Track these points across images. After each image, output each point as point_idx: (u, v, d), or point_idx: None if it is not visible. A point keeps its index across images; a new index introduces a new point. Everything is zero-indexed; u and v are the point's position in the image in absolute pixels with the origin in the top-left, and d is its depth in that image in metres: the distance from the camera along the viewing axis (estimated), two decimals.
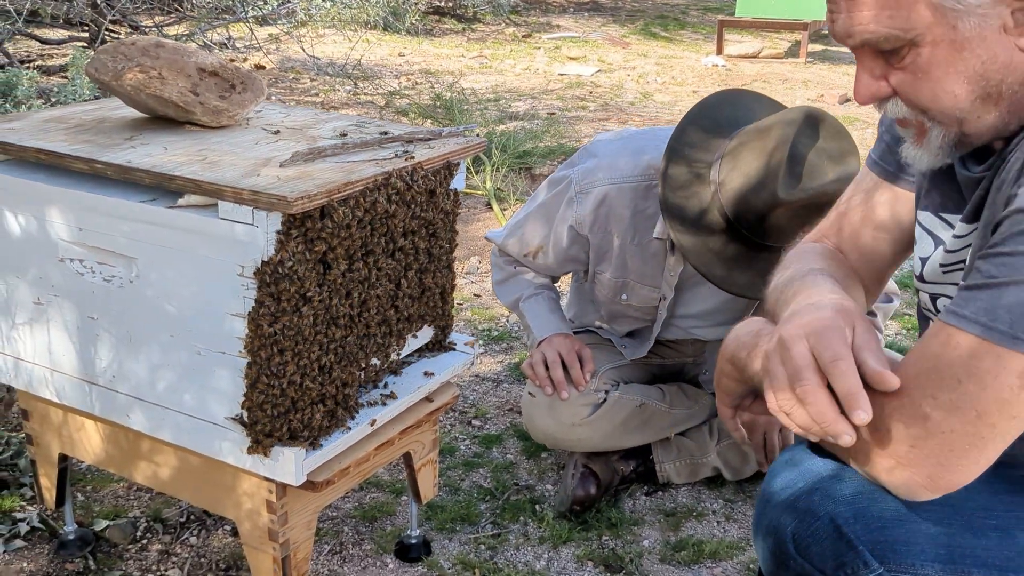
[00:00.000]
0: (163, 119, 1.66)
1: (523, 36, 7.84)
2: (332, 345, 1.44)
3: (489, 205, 3.78)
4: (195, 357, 1.44)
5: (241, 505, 1.54)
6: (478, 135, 1.68)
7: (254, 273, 1.33)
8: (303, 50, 5.48)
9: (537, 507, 2.05)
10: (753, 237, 1.74)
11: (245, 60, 5.91)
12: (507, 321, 2.93)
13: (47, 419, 1.74)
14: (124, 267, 1.47)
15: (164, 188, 1.39)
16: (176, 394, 1.48)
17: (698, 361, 2.18)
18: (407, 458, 1.78)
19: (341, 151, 1.50)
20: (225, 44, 5.45)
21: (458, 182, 1.64)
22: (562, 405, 1.92)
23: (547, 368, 1.92)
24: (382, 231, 1.46)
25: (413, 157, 1.52)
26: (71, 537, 1.89)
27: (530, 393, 1.99)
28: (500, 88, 5.91)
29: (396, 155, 1.52)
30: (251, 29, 5.36)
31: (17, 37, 6.20)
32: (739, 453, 2.08)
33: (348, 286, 1.43)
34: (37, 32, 5.94)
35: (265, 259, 1.32)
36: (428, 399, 1.70)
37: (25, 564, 1.85)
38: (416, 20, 7.91)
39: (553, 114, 5.17)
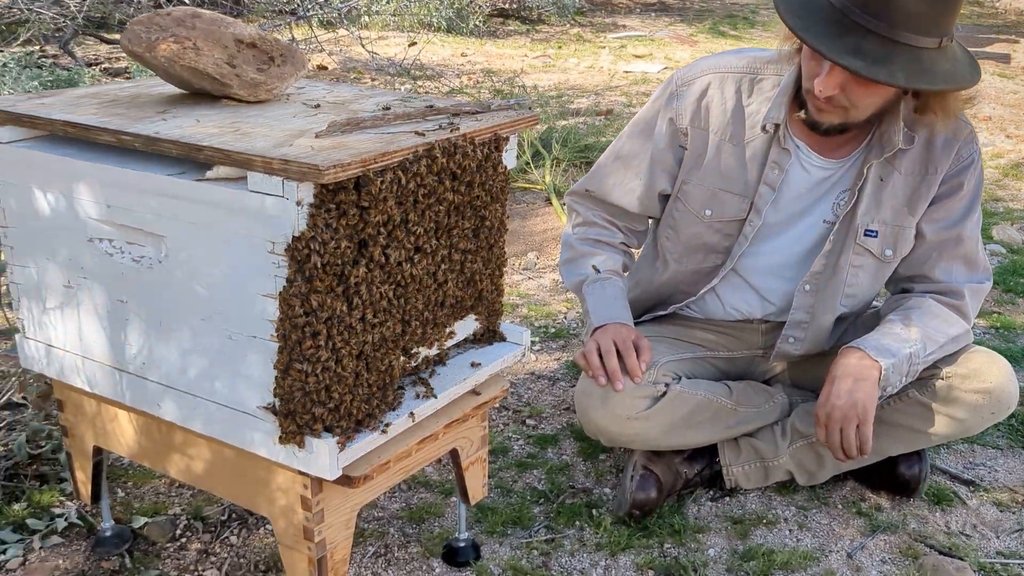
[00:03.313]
0: (200, 94, 1.58)
1: (592, 33, 7.72)
2: (370, 330, 1.33)
3: (548, 200, 3.67)
4: (226, 342, 1.35)
5: (275, 501, 1.45)
6: (530, 108, 1.57)
7: (285, 250, 1.23)
8: (363, 47, 5.43)
9: (594, 511, 1.92)
10: (879, 24, 1.56)
11: (308, 61, 5.89)
12: (564, 318, 2.81)
13: (81, 409, 1.67)
14: (153, 246, 1.39)
15: (192, 160, 1.30)
16: (207, 381, 1.39)
17: (767, 354, 2.03)
18: (454, 456, 1.67)
19: (381, 122, 1.40)
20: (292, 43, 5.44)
21: (508, 159, 1.53)
22: (617, 397, 1.79)
23: (601, 357, 1.80)
24: (423, 207, 1.35)
25: (458, 129, 1.41)
26: (108, 534, 1.82)
27: (583, 389, 1.86)
28: (563, 85, 5.79)
29: (440, 127, 1.41)
30: (311, 27, 5.34)
31: (87, 41, 6.28)
32: (814, 455, 1.93)
33: (387, 266, 1.33)
34: (106, 35, 6.00)
35: (296, 234, 1.22)
36: (475, 392, 1.59)
37: (61, 561, 1.79)
38: (479, 22, 7.85)
39: (610, 111, 5.04)
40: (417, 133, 1.37)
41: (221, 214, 1.28)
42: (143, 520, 1.88)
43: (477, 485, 1.73)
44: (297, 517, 1.42)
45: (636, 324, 1.97)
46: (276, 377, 1.30)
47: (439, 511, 1.91)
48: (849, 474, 2.02)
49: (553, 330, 2.72)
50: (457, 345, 1.61)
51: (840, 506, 1.98)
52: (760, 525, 1.90)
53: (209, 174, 1.29)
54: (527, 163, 3.86)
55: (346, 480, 1.37)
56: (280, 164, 1.20)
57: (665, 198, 1.96)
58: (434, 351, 1.52)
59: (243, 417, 1.37)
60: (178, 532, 1.87)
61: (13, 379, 2.12)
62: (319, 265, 1.23)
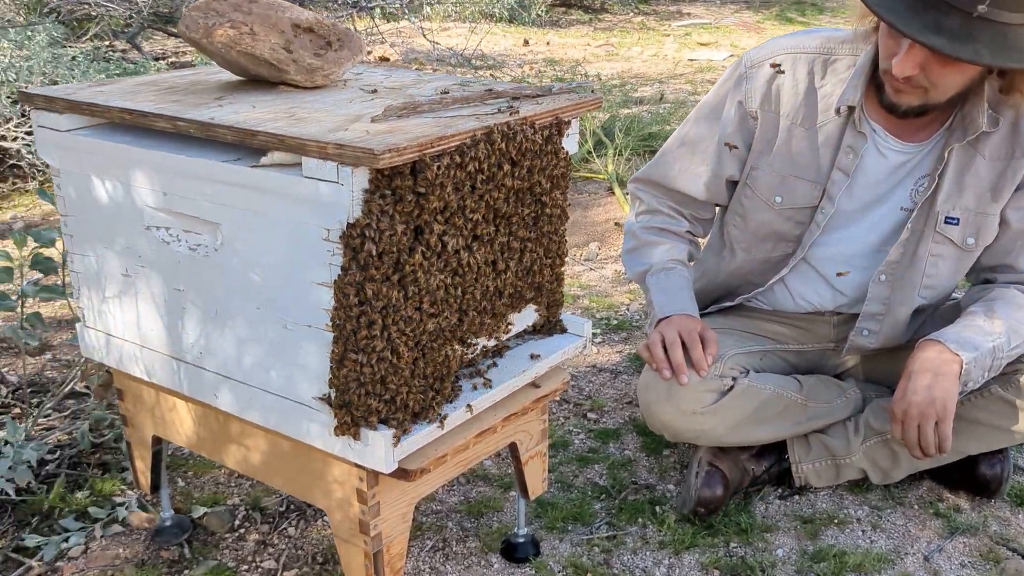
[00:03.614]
0: (257, 80, 1.56)
1: (655, 21, 7.61)
2: (426, 320, 1.30)
3: (611, 190, 3.60)
4: (282, 331, 1.32)
5: (331, 493, 1.42)
6: (592, 92, 1.51)
7: (339, 237, 1.20)
8: (425, 38, 5.42)
9: (657, 508, 1.86)
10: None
11: (370, 53, 5.90)
12: (627, 310, 2.75)
13: (140, 399, 1.66)
14: (209, 234, 1.37)
15: (247, 146, 1.27)
16: (263, 372, 1.37)
17: (839, 347, 1.95)
18: (513, 450, 1.63)
19: (439, 106, 1.36)
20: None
21: (570, 144, 1.48)
22: (682, 391, 1.73)
23: (666, 350, 1.74)
24: (481, 193, 1.31)
25: (518, 112, 1.36)
26: (167, 524, 1.82)
27: (647, 383, 1.80)
28: (626, 74, 5.71)
29: (499, 110, 1.37)
30: (373, 19, 5.34)
31: (155, 36, 6.37)
32: (889, 453, 1.85)
33: (444, 254, 1.29)
34: (172, 29, 6.08)
35: (351, 221, 1.19)
36: (534, 384, 1.55)
37: (121, 550, 1.79)
38: (541, 12, 7.79)
39: (665, 99, 4.95)
40: (476, 117, 1.32)
41: (276, 201, 1.26)
42: (202, 510, 1.87)
43: (537, 480, 1.69)
44: (353, 510, 1.40)
45: (701, 315, 1.91)
46: (331, 367, 1.27)
47: (498, 505, 1.88)
48: (926, 473, 1.93)
49: (615, 322, 2.67)
50: (516, 336, 1.57)
51: (916, 506, 1.89)
52: (831, 525, 1.83)
53: (264, 160, 1.27)
54: (589, 152, 3.80)
55: (402, 473, 1.34)
56: (335, 149, 1.17)
57: (733, 184, 1.89)
58: (492, 342, 1.48)
59: (299, 408, 1.34)
60: (236, 523, 1.86)
61: (76, 368, 2.13)
62: (374, 253, 1.20)
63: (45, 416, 2.17)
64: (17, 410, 2.18)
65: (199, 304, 1.42)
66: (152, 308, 1.49)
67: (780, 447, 1.89)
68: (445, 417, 1.36)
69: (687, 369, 1.72)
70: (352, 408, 1.27)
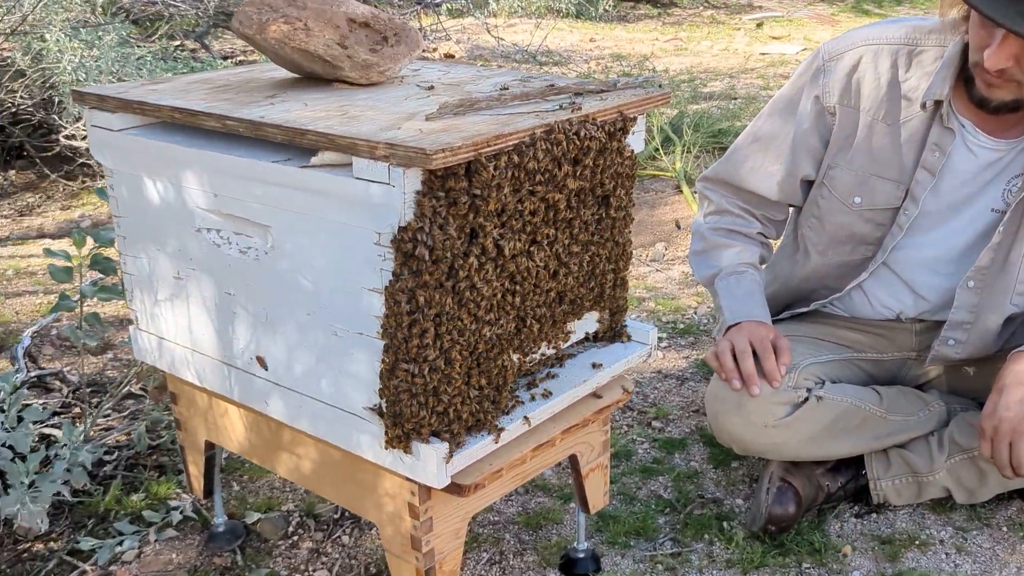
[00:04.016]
0: (311, 78, 1.51)
1: (726, 15, 7.46)
2: (481, 328, 1.23)
3: (679, 188, 3.50)
4: (332, 338, 1.27)
5: (383, 507, 1.37)
6: (660, 86, 1.43)
7: (391, 241, 1.14)
8: (490, 34, 5.37)
9: (725, 524, 1.78)
10: None
11: (435, 50, 5.87)
12: (694, 313, 2.65)
13: (193, 403, 1.63)
14: (260, 237, 1.32)
15: (297, 146, 1.22)
16: (313, 380, 1.32)
17: (922, 357, 1.84)
18: (573, 462, 1.56)
19: (497, 103, 1.30)
20: (423, 34, 5.43)
21: (636, 141, 1.40)
22: (753, 403, 1.64)
23: (736, 359, 1.65)
24: (541, 195, 1.24)
25: (580, 108, 1.29)
26: (221, 529, 1.79)
27: (715, 393, 1.71)
28: (695, 69, 5.59)
29: (561, 107, 1.30)
30: (438, 16, 5.31)
31: (225, 35, 6.43)
32: (975, 471, 1.73)
33: (500, 259, 1.23)
34: None
35: (403, 224, 1.13)
36: (596, 395, 1.47)
37: (174, 555, 1.76)
38: (609, 7, 7.68)
39: (737, 98, 4.81)
40: (536, 114, 1.26)
41: (326, 203, 1.20)
42: (256, 516, 1.84)
43: (598, 493, 1.61)
44: (404, 525, 1.34)
45: (774, 322, 1.82)
46: (382, 377, 1.22)
47: (557, 517, 1.81)
48: (1015, 493, 1.81)
49: (682, 326, 2.57)
50: (577, 344, 1.50)
51: (1005, 528, 1.77)
52: (912, 547, 1.72)
53: (314, 160, 1.21)
54: (656, 149, 3.70)
55: (455, 488, 1.28)
56: (386, 149, 1.11)
57: (808, 184, 1.80)
58: (551, 351, 1.41)
59: (349, 418, 1.29)
60: (290, 529, 1.82)
61: (134, 369, 2.12)
62: (427, 258, 1.14)
63: (104, 416, 2.16)
64: (77, 410, 2.18)
65: (249, 309, 1.38)
66: (203, 312, 1.45)
67: (857, 462, 1.79)
68: (501, 430, 1.29)
69: (758, 380, 1.63)
70: (403, 420, 1.21)
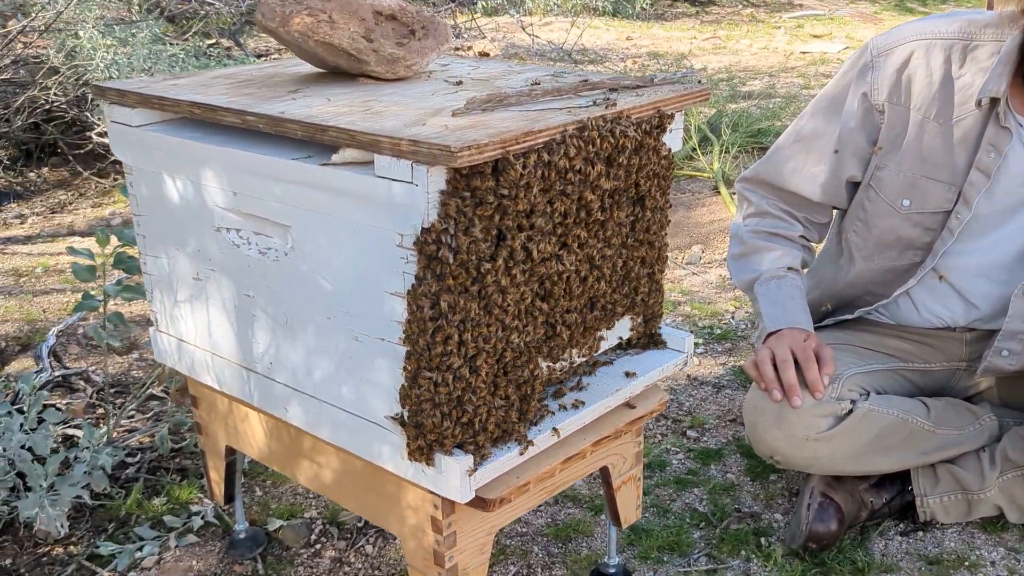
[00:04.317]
0: (337, 72, 1.46)
1: (765, 14, 7.34)
2: (509, 335, 1.17)
3: (716, 189, 3.42)
4: (353, 344, 1.22)
5: (405, 520, 1.31)
6: (700, 81, 1.36)
7: (413, 243, 1.09)
8: (525, 32, 5.31)
9: (763, 540, 1.70)
10: None
11: (469, 48, 5.82)
12: (731, 318, 2.58)
13: (214, 407, 1.59)
14: (280, 237, 1.27)
15: (317, 142, 1.17)
16: (334, 386, 1.27)
17: (972, 368, 1.76)
18: (604, 474, 1.49)
19: (527, 98, 1.24)
20: (456, 32, 5.38)
21: (673, 140, 1.33)
22: (794, 415, 1.56)
23: (776, 368, 1.57)
24: (573, 196, 1.18)
25: (615, 105, 1.23)
26: (242, 536, 1.74)
27: (754, 404, 1.64)
28: (734, 67, 5.49)
29: (595, 103, 1.23)
30: (472, 16, 5.26)
31: (260, 33, 6.42)
32: None
33: (529, 262, 1.16)
34: None
35: (426, 225, 1.07)
36: (629, 405, 1.41)
37: (195, 562, 1.72)
38: (646, 5, 7.59)
39: (777, 97, 4.71)
40: (568, 111, 1.19)
41: (347, 202, 1.15)
42: (278, 523, 1.79)
43: (630, 507, 1.55)
44: (427, 539, 1.28)
45: (816, 330, 1.74)
46: (403, 385, 1.16)
47: (587, 530, 1.74)
48: None
49: (719, 331, 2.50)
50: (609, 351, 1.43)
51: None
52: (960, 568, 1.64)
53: (335, 158, 1.16)
54: (693, 149, 3.62)
55: (480, 503, 1.22)
56: (409, 146, 1.05)
57: (854, 186, 1.72)
58: (582, 359, 1.35)
59: (370, 427, 1.24)
60: (313, 537, 1.77)
61: (156, 371, 2.09)
62: (451, 261, 1.08)
63: (128, 417, 2.13)
64: (101, 411, 2.15)
65: (269, 312, 1.33)
66: (223, 314, 1.41)
67: (903, 477, 1.71)
68: (530, 442, 1.23)
69: (800, 390, 1.56)
70: (425, 431, 1.15)
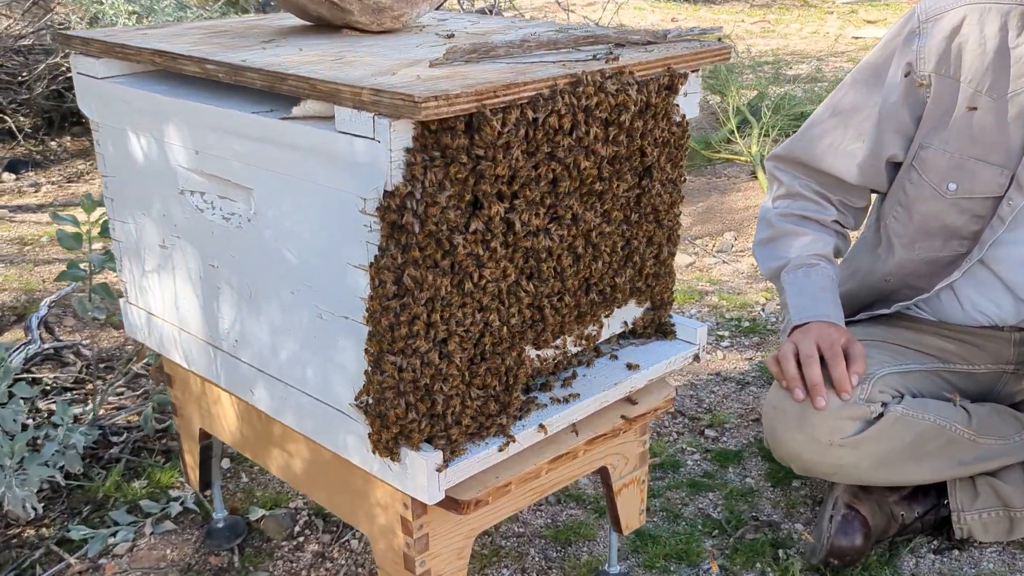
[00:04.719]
0: (321, 24, 1.33)
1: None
2: (487, 317, 1.04)
3: (754, 174, 3.24)
4: (317, 322, 1.09)
5: (374, 519, 1.19)
6: (721, 39, 1.22)
7: (376, 209, 0.96)
8: (563, 9, 5.14)
9: (781, 552, 1.55)
10: None
11: None
12: (761, 311, 2.41)
13: (188, 387, 1.47)
14: (243, 202, 1.15)
15: (278, 92, 1.04)
16: (298, 368, 1.15)
17: (1020, 371, 1.59)
18: (604, 475, 1.36)
19: (518, 50, 1.10)
20: (487, 10, 5.24)
21: (688, 105, 1.19)
22: (817, 416, 1.41)
23: (800, 364, 1.42)
24: (564, 161, 1.04)
25: (617, 60, 1.08)
26: (220, 525, 1.63)
27: (774, 404, 1.49)
28: (781, 51, 5.28)
29: (594, 57, 1.09)
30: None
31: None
32: None
33: (511, 235, 1.03)
34: None
35: (389, 188, 0.94)
36: (630, 400, 1.27)
37: (169, 551, 1.61)
38: None
39: (824, 81, 4.50)
40: (562, 64, 1.05)
41: (309, 162, 1.02)
42: (261, 512, 1.68)
43: (632, 512, 1.41)
44: (397, 541, 1.16)
45: (849, 324, 1.58)
46: (366, 371, 1.03)
47: (590, 533, 1.61)
48: None
49: (747, 324, 2.33)
50: (610, 341, 1.30)
51: None
52: None
53: (295, 111, 1.03)
54: (732, 131, 3.45)
55: (452, 504, 1.09)
56: (371, 95, 0.92)
57: (895, 166, 1.55)
58: (578, 347, 1.21)
59: (335, 415, 1.11)
60: (296, 529, 1.66)
61: (139, 346, 1.98)
62: (417, 230, 0.94)
63: (117, 394, 2.03)
64: (91, 386, 2.05)
65: (234, 284, 1.21)
66: (188, 286, 1.29)
67: (938, 490, 1.55)
68: (511, 438, 1.10)
69: (825, 390, 1.40)
70: (388, 422, 1.02)
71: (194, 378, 1.44)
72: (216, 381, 1.32)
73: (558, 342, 1.18)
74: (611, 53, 1.10)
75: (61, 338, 2.19)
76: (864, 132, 1.54)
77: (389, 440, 1.04)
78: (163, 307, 1.36)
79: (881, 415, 1.43)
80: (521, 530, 1.63)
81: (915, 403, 1.47)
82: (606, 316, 1.23)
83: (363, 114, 0.93)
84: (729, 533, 1.60)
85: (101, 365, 2.09)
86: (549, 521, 1.64)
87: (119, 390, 2.03)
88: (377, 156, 0.93)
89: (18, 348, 2.00)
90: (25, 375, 2.01)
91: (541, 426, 1.13)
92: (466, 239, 0.98)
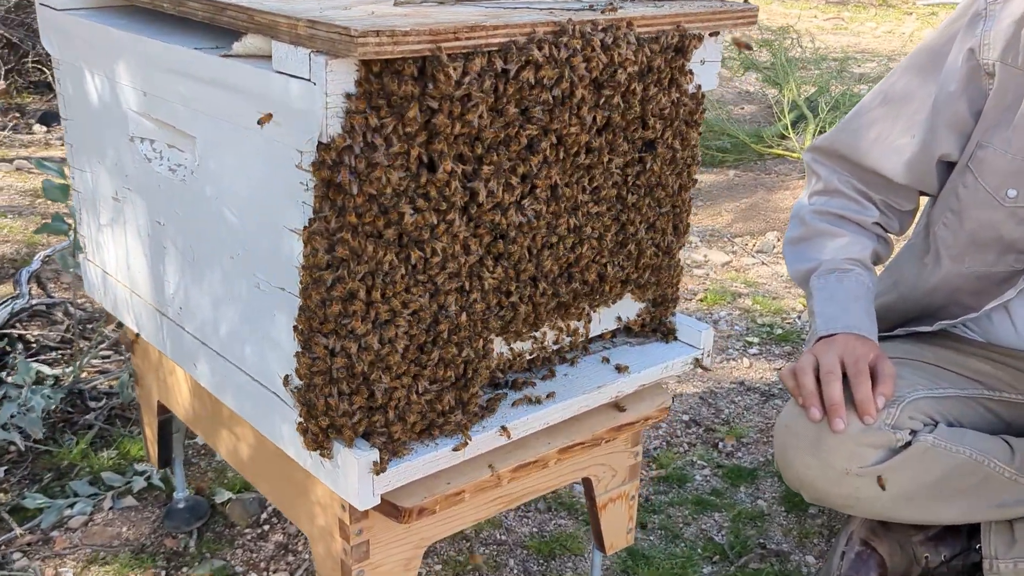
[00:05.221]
0: None
1: None
2: (441, 300, 0.90)
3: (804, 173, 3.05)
4: (255, 292, 0.96)
5: (314, 518, 1.05)
6: (746, 1, 1.05)
7: (311, 164, 0.82)
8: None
9: None
10: None
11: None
12: (797, 319, 2.23)
13: (148, 355, 1.36)
14: (189, 151, 1.02)
15: (218, 24, 0.91)
16: (237, 343, 1.02)
17: None
18: (587, 487, 1.21)
19: None
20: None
21: (706, 75, 1.03)
22: (834, 440, 1.24)
23: (820, 380, 1.25)
24: (544, 124, 0.89)
25: (615, 10, 0.93)
26: (180, 506, 1.52)
27: (787, 422, 1.32)
28: (851, 48, 5.04)
29: (591, 7, 0.94)
30: None
31: None
32: None
33: (473, 207, 0.88)
34: None
35: (324, 140, 0.80)
36: (618, 407, 1.12)
37: (124, 529, 1.51)
38: None
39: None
40: (549, 11, 0.90)
41: (248, 106, 0.89)
42: (227, 495, 1.56)
43: (618, 529, 1.26)
44: (335, 546, 1.02)
45: (883, 340, 1.41)
46: (296, 353, 0.90)
47: (577, 548, 1.46)
48: None
49: (780, 331, 2.16)
50: (604, 338, 1.15)
51: None
52: None
53: (236, 47, 0.90)
54: (786, 127, 3.25)
55: (391, 510, 0.95)
56: (307, 28, 0.78)
57: (948, 167, 1.37)
58: (558, 344, 1.06)
59: (272, 399, 0.98)
60: (263, 516, 1.54)
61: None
62: (354, 191, 0.80)
63: (102, 357, 1.93)
64: (78, 347, 1.96)
65: (178, 245, 1.08)
66: (138, 245, 1.17)
67: (970, 531, 1.37)
68: (466, 440, 0.96)
69: (846, 411, 1.23)
70: (317, 412, 0.89)
71: (152, 346, 1.33)
72: (163, 350, 1.20)
73: (536, 335, 1.04)
74: (611, 4, 0.95)
75: (54, 295, 2.10)
76: (915, 125, 1.36)
77: (318, 432, 0.90)
78: (116, 266, 1.24)
79: (908, 444, 1.25)
80: (503, 537, 1.48)
81: (949, 433, 1.29)
82: (593, 310, 1.08)
83: (300, 51, 0.79)
84: (731, 560, 1.44)
85: (90, 325, 1.99)
86: (536, 530, 1.50)
87: (104, 353, 1.94)
88: (313, 101, 0.80)
89: (4, 302, 1.91)
90: (10, 331, 1.92)
91: (503, 428, 0.98)
92: (416, 207, 0.84)
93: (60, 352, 1.94)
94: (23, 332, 1.95)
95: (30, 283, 2.04)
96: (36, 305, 2.00)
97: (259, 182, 0.91)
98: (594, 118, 0.92)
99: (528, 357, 1.05)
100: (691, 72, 1.01)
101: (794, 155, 3.15)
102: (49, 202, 2.67)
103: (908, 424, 1.26)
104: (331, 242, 0.83)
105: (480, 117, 0.83)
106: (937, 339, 1.46)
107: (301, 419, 0.91)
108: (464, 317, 0.92)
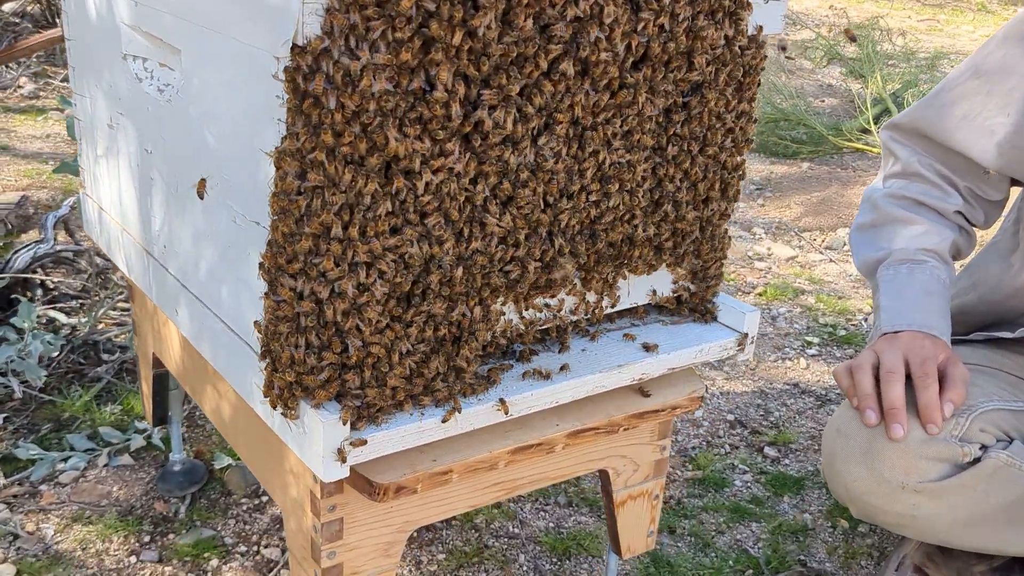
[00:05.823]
0: None
1: (999, 5, 6.48)
2: (434, 246, 0.77)
3: None
4: (231, 227, 0.85)
5: (287, 489, 0.94)
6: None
7: (284, 69, 0.70)
8: None
9: None
10: None
11: None
12: (862, 320, 2.05)
13: (144, 303, 1.26)
14: (178, 69, 0.91)
15: None
16: (215, 286, 0.91)
17: None
18: (603, 480, 1.07)
19: None
20: None
21: (770, 17, 0.89)
22: (890, 450, 1.08)
23: (879, 380, 1.10)
24: (565, 48, 0.75)
25: None
26: (175, 468, 1.42)
27: (838, 426, 1.16)
28: (944, 49, 4.78)
29: None
30: None
31: None
32: None
33: (476, 137, 0.75)
34: None
35: (300, 42, 0.68)
36: (642, 391, 0.98)
37: (116, 488, 1.42)
38: None
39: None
40: None
41: (231, 10, 0.77)
42: (227, 461, 1.46)
43: (637, 532, 1.12)
44: (306, 522, 0.91)
45: (956, 344, 1.25)
46: (261, 296, 0.78)
47: (595, 548, 1.32)
48: None
49: (842, 332, 1.98)
50: (632, 313, 1.01)
51: None
52: None
53: None
54: (868, 120, 3.05)
55: (364, 485, 0.83)
56: None
57: None
58: (576, 316, 0.93)
59: (244, 349, 0.87)
60: (262, 488, 1.43)
61: None
62: (332, 105, 0.68)
63: (122, 309, 1.85)
64: (97, 296, 1.88)
65: (164, 175, 0.97)
66: (129, 176, 1.07)
67: None
68: (454, 410, 0.83)
69: (907, 416, 1.07)
70: (281, 364, 0.77)
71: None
72: (149, 294, 1.09)
73: (552, 302, 0.91)
74: None
75: (82, 243, 2.03)
76: (1012, 103, 1.19)
77: (283, 388, 0.78)
78: (110, 201, 1.15)
79: (977, 460, 1.09)
80: (516, 530, 1.36)
81: None
82: (620, 277, 0.94)
83: None
84: (766, 575, 1.30)
85: (111, 275, 1.91)
86: (552, 525, 1.37)
87: (124, 305, 1.85)
88: (289, 1, 0.68)
89: (27, 247, 1.84)
90: (32, 276, 1.85)
91: (501, 402, 0.85)
92: (408, 132, 0.71)
93: (81, 301, 1.87)
94: (44, 278, 1.88)
95: (57, 229, 1.97)
96: (62, 252, 1.92)
97: (239, 99, 0.79)
98: (628, 45, 0.79)
99: (541, 327, 0.91)
100: (750, 4, 0.87)
101: (875, 150, 2.95)
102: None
103: (979, 438, 1.10)
104: (303, 165, 0.71)
105: (488, 28, 0.70)
106: (1016, 347, 1.29)
107: (265, 374, 0.79)
108: (460, 270, 0.79)
